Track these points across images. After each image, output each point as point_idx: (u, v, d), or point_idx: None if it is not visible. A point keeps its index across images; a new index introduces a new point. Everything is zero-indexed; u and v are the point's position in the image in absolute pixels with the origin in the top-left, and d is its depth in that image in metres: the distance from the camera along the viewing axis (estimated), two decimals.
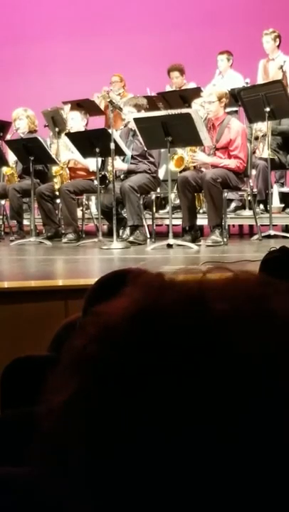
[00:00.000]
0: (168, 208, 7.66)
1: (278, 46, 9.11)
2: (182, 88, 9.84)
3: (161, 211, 8.57)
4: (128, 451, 0.57)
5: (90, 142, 7.70)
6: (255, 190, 8.16)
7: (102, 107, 9.63)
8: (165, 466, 0.56)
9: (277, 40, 9.07)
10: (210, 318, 0.59)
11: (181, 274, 0.64)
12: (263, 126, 8.01)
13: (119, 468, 0.57)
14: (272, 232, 7.46)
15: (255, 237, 7.66)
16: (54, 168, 8.40)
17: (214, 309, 0.59)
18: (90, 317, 0.63)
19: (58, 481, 0.61)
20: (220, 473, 0.56)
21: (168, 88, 9.99)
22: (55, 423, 0.60)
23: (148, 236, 7.84)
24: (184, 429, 0.56)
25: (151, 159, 7.98)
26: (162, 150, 8.11)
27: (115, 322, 0.60)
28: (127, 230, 7.84)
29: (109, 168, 7.93)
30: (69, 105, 9.17)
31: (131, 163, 8.01)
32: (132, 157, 7.99)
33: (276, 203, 8.50)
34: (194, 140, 7.19)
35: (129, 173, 8.02)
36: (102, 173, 8.06)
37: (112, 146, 7.39)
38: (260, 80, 9.16)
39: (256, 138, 8.17)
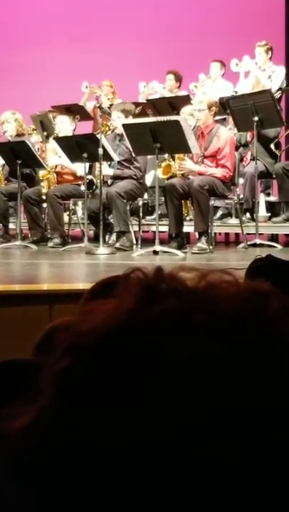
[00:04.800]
0: (155, 215, 7.66)
1: (270, 58, 9.18)
2: (173, 92, 9.88)
3: (147, 217, 8.57)
4: (91, 465, 0.57)
5: (78, 147, 7.70)
6: (241, 197, 8.19)
7: (86, 98, 9.84)
8: (127, 481, 0.56)
9: (270, 52, 9.15)
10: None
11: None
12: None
13: (80, 480, 0.57)
14: (258, 241, 7.48)
15: (241, 245, 7.67)
16: (41, 172, 8.39)
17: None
18: (66, 331, 0.62)
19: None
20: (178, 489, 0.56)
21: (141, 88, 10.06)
22: (26, 432, 0.60)
23: (134, 242, 7.83)
24: (147, 447, 0.56)
25: (137, 164, 7.97)
26: (149, 156, 8.12)
27: (88, 340, 0.60)
28: (114, 236, 7.83)
29: (97, 173, 7.93)
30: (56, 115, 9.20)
31: (117, 168, 8.01)
32: (118, 162, 7.99)
33: (262, 211, 8.52)
34: (182, 147, 7.19)
35: (115, 178, 8.02)
36: (89, 177, 8.05)
37: (101, 151, 7.38)
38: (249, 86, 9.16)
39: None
